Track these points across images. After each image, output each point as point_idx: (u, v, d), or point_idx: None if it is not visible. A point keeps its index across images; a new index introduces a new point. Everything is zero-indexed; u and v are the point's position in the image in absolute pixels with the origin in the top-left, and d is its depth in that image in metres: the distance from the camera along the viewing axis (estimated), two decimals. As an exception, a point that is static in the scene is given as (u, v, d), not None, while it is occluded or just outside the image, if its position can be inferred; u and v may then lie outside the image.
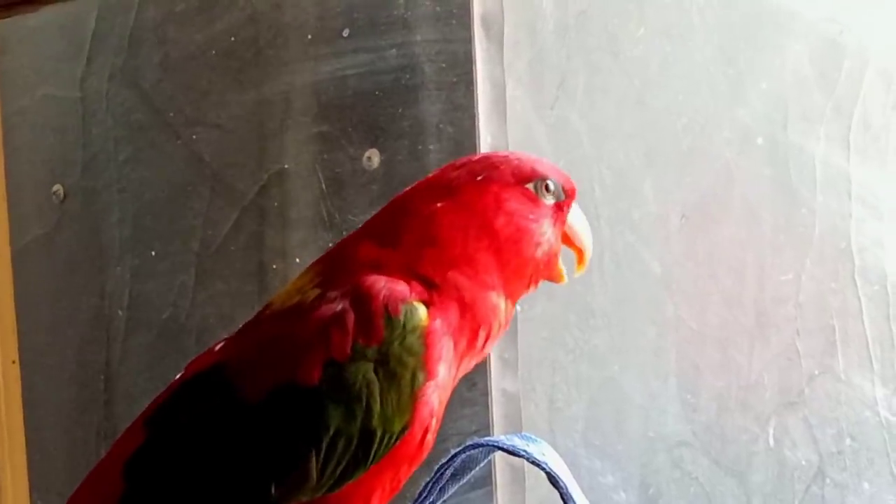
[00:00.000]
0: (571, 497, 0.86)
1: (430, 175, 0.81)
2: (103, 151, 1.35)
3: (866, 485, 1.01)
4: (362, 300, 0.74)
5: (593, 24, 1.08)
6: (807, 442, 1.03)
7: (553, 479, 0.86)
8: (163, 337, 1.31)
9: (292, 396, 0.72)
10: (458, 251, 0.77)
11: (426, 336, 0.74)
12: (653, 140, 1.06)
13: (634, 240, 1.06)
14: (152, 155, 1.31)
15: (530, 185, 0.80)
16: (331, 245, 1.16)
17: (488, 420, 1.10)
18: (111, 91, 1.34)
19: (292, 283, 0.80)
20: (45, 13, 1.40)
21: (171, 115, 1.29)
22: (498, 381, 1.09)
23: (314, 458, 0.72)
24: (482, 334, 0.78)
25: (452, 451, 0.88)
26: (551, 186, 0.81)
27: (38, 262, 1.42)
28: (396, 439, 0.74)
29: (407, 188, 0.81)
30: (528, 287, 0.81)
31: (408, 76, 1.13)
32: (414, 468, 0.78)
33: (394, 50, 1.13)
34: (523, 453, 0.86)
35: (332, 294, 0.75)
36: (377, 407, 0.73)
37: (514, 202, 0.79)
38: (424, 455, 0.78)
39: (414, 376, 0.74)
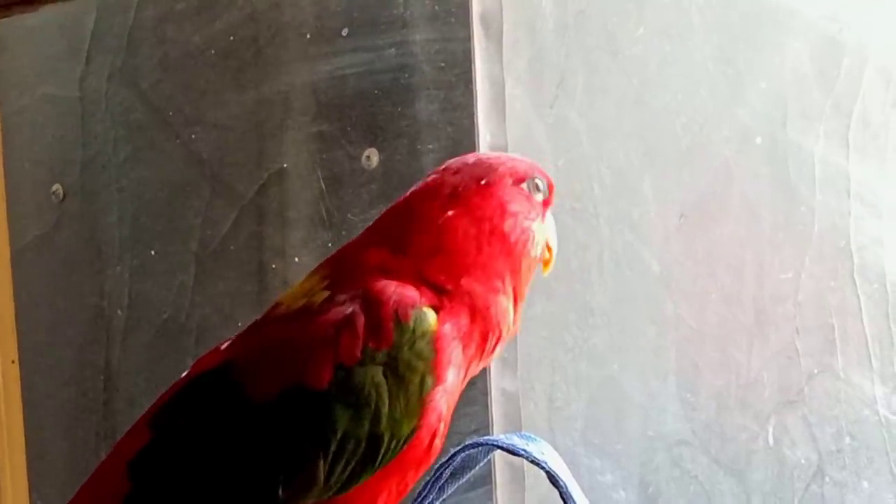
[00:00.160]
0: (571, 496, 0.86)
1: (429, 180, 0.81)
2: (102, 151, 1.35)
3: (865, 483, 1.01)
4: (372, 304, 0.74)
5: (592, 23, 1.08)
6: (806, 440, 1.03)
7: (552, 478, 0.86)
8: (162, 336, 1.31)
9: (301, 399, 0.72)
10: (470, 258, 0.77)
11: (436, 341, 0.74)
12: (652, 139, 1.06)
13: (633, 239, 1.06)
14: (151, 154, 1.31)
15: (525, 185, 0.80)
16: (330, 245, 1.16)
17: (488, 419, 1.10)
18: (110, 91, 1.34)
19: (300, 285, 0.80)
20: (44, 13, 1.40)
21: (171, 114, 1.29)
22: (497, 381, 1.09)
23: (322, 461, 0.72)
24: (492, 339, 0.79)
25: (452, 451, 0.88)
26: (540, 185, 0.82)
27: (38, 261, 1.42)
28: (404, 443, 0.74)
29: (410, 192, 0.82)
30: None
31: (407, 75, 1.13)
32: (421, 473, 0.78)
33: (393, 49, 1.13)
34: (523, 452, 0.86)
35: (342, 297, 0.75)
36: (386, 411, 0.73)
37: (515, 204, 0.79)
38: (432, 460, 0.78)
39: (423, 381, 0.74)
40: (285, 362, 0.74)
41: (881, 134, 1.00)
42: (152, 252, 1.31)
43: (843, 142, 1.01)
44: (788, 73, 1.02)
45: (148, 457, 0.74)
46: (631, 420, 1.07)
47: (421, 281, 0.76)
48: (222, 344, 0.79)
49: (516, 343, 1.09)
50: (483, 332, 0.78)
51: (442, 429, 0.76)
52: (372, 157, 1.15)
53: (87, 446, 1.38)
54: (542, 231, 0.81)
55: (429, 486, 0.88)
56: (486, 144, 1.09)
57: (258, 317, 0.81)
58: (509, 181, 0.80)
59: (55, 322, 1.41)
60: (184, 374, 0.78)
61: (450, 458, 0.88)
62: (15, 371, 1.44)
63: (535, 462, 0.86)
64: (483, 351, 0.79)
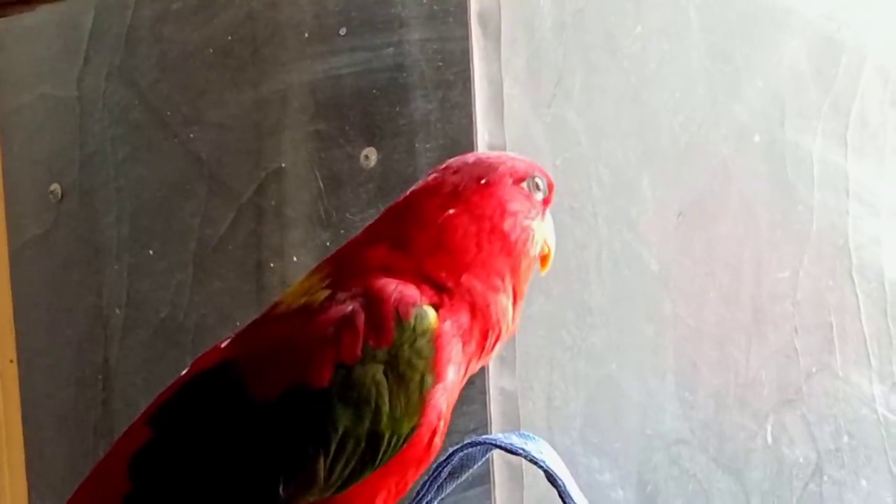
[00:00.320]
0: (569, 495, 0.86)
1: (429, 179, 0.82)
2: (101, 151, 1.35)
3: (864, 482, 1.01)
4: (373, 303, 0.74)
5: (590, 21, 1.08)
6: (805, 439, 1.03)
7: (551, 478, 0.86)
8: (160, 336, 1.31)
9: (302, 397, 0.72)
10: (470, 257, 0.78)
11: (436, 339, 0.75)
12: (650, 138, 1.06)
13: (632, 238, 1.07)
14: (150, 154, 1.31)
15: (525, 184, 0.81)
16: (328, 244, 1.16)
17: (486, 418, 1.10)
18: (108, 90, 1.34)
19: (300, 284, 0.80)
20: (42, 12, 1.40)
21: (169, 114, 1.29)
22: (496, 379, 1.09)
23: (322, 459, 0.72)
24: (491, 336, 0.79)
25: (450, 449, 0.88)
26: (540, 184, 0.82)
27: (36, 261, 1.42)
28: (404, 441, 0.74)
29: (410, 191, 0.82)
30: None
31: (405, 74, 1.13)
32: (421, 471, 0.78)
33: (391, 48, 1.13)
34: (521, 451, 0.86)
35: (342, 296, 0.76)
36: (386, 409, 0.73)
37: (515, 203, 0.80)
38: (432, 458, 0.78)
39: (423, 379, 0.74)
40: (286, 361, 0.74)
41: (879, 133, 1.00)
42: (150, 251, 1.31)
43: (841, 141, 1.01)
44: (786, 72, 1.02)
45: (148, 455, 0.74)
46: (629, 419, 1.07)
47: (421, 279, 0.77)
48: (222, 342, 0.79)
49: (515, 342, 1.09)
50: (483, 330, 0.78)
51: (442, 427, 0.77)
52: (370, 156, 1.15)
53: (85, 445, 1.38)
54: (542, 230, 0.82)
55: (427, 485, 0.88)
56: (484, 144, 1.09)
57: (258, 315, 0.81)
58: (509, 180, 0.80)
59: (53, 321, 1.41)
60: (183, 373, 0.78)
61: (448, 457, 0.88)
62: (13, 370, 1.44)
63: (533, 461, 0.86)
64: (483, 349, 0.79)
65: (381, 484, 0.76)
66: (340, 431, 0.72)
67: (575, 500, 0.86)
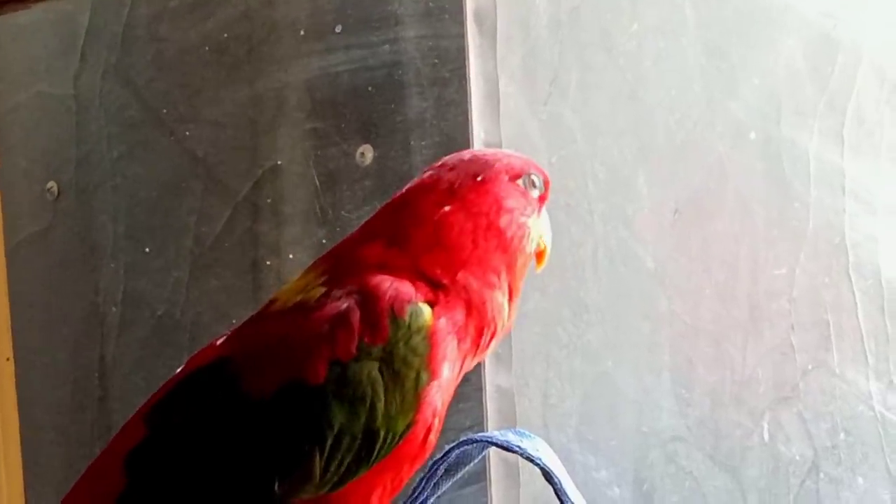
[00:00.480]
0: (565, 492, 0.86)
1: (426, 176, 0.82)
2: (97, 149, 1.35)
3: (861, 479, 1.01)
4: (368, 300, 0.75)
5: (586, 19, 1.08)
6: (801, 437, 1.03)
7: (547, 475, 0.86)
8: (157, 333, 1.31)
9: (297, 394, 0.72)
10: (466, 253, 0.78)
11: (431, 336, 0.75)
12: (646, 135, 1.06)
13: (628, 235, 1.06)
14: (146, 152, 1.31)
15: (521, 181, 0.81)
16: (324, 241, 1.16)
17: (482, 415, 1.10)
18: (105, 88, 1.34)
19: (296, 281, 0.80)
20: (38, 10, 1.40)
21: (165, 111, 1.29)
22: (492, 377, 1.09)
23: (318, 457, 0.73)
24: (487, 333, 0.79)
25: (446, 447, 0.88)
26: (536, 181, 0.82)
27: (32, 259, 1.42)
28: (399, 439, 0.75)
29: (406, 188, 0.82)
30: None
31: (400, 72, 1.13)
32: (416, 468, 0.79)
33: (386, 46, 1.13)
34: (517, 449, 0.86)
35: (338, 293, 0.76)
36: (381, 406, 0.73)
37: (511, 200, 0.80)
38: (427, 455, 0.78)
39: (418, 376, 0.74)
40: (281, 358, 0.74)
41: (876, 131, 1.00)
42: (147, 249, 1.31)
43: (837, 138, 1.01)
44: (782, 70, 1.02)
45: (144, 452, 0.75)
46: (625, 416, 1.07)
47: (417, 276, 0.77)
48: (217, 340, 0.79)
49: (510, 339, 1.09)
50: (478, 327, 0.78)
51: (437, 424, 0.77)
52: (366, 153, 1.14)
53: (82, 443, 1.38)
54: (538, 227, 0.82)
55: (424, 482, 0.88)
56: (479, 141, 1.09)
57: (254, 313, 0.81)
58: (505, 177, 0.81)
59: (50, 319, 1.41)
60: (179, 370, 0.78)
61: (444, 455, 0.88)
62: (10, 368, 1.44)
63: (529, 459, 0.86)
64: (478, 346, 0.79)
65: (377, 481, 0.76)
66: (336, 429, 0.72)
67: (571, 498, 0.86)
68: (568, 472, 0.88)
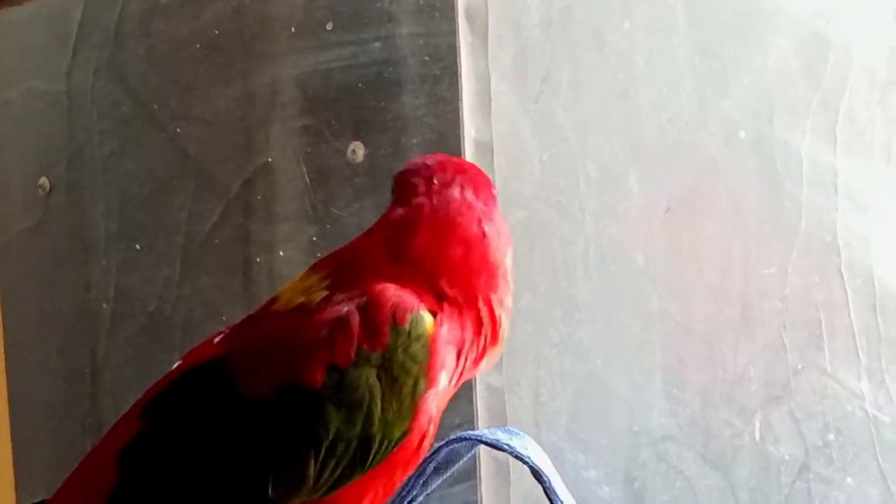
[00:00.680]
0: (555, 491, 0.86)
1: (435, 185, 0.81)
2: (89, 145, 1.34)
3: (851, 479, 1.01)
4: (370, 306, 0.74)
5: (578, 18, 1.07)
6: (792, 436, 1.03)
7: (536, 474, 0.86)
8: (148, 330, 1.31)
9: (294, 398, 0.72)
10: (468, 265, 0.77)
11: (431, 344, 0.74)
12: (637, 134, 1.06)
13: (619, 234, 1.06)
14: (138, 148, 1.31)
15: (494, 190, 0.81)
16: (315, 238, 1.16)
17: (472, 413, 1.09)
18: (96, 84, 1.33)
19: (299, 281, 0.80)
20: (30, 6, 1.40)
21: (157, 108, 1.29)
22: (482, 375, 1.09)
23: (312, 461, 0.72)
24: (483, 346, 0.79)
25: (436, 445, 0.88)
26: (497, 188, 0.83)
27: (23, 255, 1.41)
28: (395, 445, 0.74)
29: (414, 196, 0.81)
30: None
31: (391, 69, 1.12)
32: (408, 473, 0.79)
33: (377, 43, 1.13)
34: (507, 447, 0.86)
35: (340, 297, 0.75)
36: (378, 413, 0.73)
37: (496, 210, 0.80)
38: (419, 460, 0.78)
39: (416, 384, 0.74)
40: (279, 360, 0.74)
41: (868, 130, 1.00)
42: (138, 246, 1.31)
43: (829, 137, 1.01)
44: (774, 69, 1.02)
45: (137, 449, 0.74)
46: (616, 415, 1.07)
47: (422, 285, 0.76)
48: (215, 337, 0.79)
49: (502, 338, 1.09)
50: (476, 339, 0.78)
51: (431, 431, 0.77)
52: (357, 150, 1.14)
53: (73, 440, 1.38)
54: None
55: (413, 481, 0.88)
56: (470, 139, 1.09)
57: (254, 311, 0.81)
58: (488, 188, 0.81)
59: (41, 316, 1.40)
60: (176, 365, 0.78)
61: (434, 453, 0.88)
62: (0, 365, 1.44)
63: (518, 457, 0.86)
64: (475, 359, 0.79)
65: (369, 486, 0.76)
66: (332, 434, 0.72)
67: (561, 497, 0.86)
68: (558, 471, 0.88)
